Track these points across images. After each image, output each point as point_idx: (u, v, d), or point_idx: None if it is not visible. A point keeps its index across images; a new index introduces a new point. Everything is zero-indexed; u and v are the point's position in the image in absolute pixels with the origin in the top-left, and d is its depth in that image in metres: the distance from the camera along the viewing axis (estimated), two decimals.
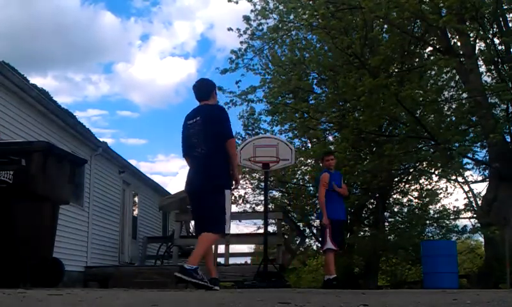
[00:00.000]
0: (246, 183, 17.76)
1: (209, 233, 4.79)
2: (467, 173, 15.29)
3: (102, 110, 59.46)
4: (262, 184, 14.31)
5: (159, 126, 58.29)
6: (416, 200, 16.71)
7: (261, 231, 14.57)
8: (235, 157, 5.04)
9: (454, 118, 12.54)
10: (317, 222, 18.10)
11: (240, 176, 16.97)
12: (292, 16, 12.92)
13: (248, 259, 17.60)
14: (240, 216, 14.85)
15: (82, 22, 45.39)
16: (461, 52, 11.12)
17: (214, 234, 4.83)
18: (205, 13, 43.67)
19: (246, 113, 14.77)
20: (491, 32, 10.64)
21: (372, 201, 15.34)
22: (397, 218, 16.34)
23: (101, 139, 12.39)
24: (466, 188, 15.68)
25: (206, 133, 4.84)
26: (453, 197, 25.02)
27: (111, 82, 56.07)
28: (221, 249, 11.34)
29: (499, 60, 10.82)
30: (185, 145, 5.05)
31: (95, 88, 52.62)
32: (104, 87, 55.12)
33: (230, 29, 13.88)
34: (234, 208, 17.47)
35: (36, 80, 55.26)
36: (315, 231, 18.04)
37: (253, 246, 21.26)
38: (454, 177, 15.58)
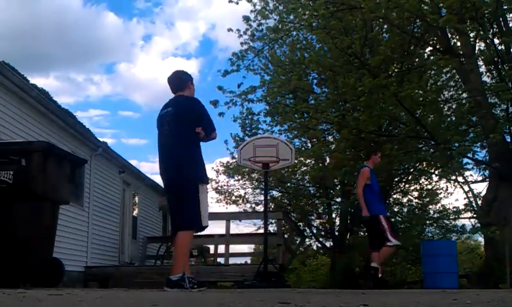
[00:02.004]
0: (246, 183, 17.81)
1: (184, 233, 4.62)
2: (467, 173, 15.33)
3: (104, 111, 59.55)
4: (262, 184, 14.31)
5: None
6: (416, 200, 16.74)
7: (261, 231, 14.58)
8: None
9: (454, 118, 12.56)
10: (316, 222, 18.16)
11: (239, 176, 17.06)
12: (292, 17, 12.93)
13: (248, 260, 17.59)
14: (240, 216, 14.86)
15: (85, 22, 45.49)
16: (461, 52, 11.11)
17: (189, 231, 4.66)
18: (207, 14, 43.65)
19: (242, 114, 14.78)
20: (491, 32, 10.63)
21: None
22: (397, 218, 16.37)
23: (102, 139, 12.40)
24: (466, 188, 15.71)
25: (178, 124, 4.71)
26: (453, 197, 25.07)
27: (112, 83, 56.13)
28: (221, 249, 11.35)
29: (499, 60, 10.81)
30: (158, 137, 4.94)
31: (96, 88, 52.68)
32: (106, 88, 55.16)
33: (229, 30, 13.91)
34: (234, 208, 17.52)
35: (38, 80, 55.38)
36: (315, 231, 18.08)
37: (253, 246, 21.26)
38: (454, 177, 15.61)
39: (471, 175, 15.66)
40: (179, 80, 4.97)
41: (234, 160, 15.51)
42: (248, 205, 17.68)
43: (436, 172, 14.90)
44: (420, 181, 16.09)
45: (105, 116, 54.70)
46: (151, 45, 56.37)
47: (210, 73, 48.56)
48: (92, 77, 52.39)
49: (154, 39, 56.59)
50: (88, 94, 52.82)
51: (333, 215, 17.37)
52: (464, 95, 12.10)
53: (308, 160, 15.27)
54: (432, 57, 11.97)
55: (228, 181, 17.83)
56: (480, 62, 11.28)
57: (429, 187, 16.67)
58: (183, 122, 4.72)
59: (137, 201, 14.77)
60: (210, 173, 17.13)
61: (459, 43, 11.38)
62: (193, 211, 4.60)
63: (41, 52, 44.48)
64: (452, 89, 13.27)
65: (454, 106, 12.59)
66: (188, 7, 46.73)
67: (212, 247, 11.73)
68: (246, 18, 13.66)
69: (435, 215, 16.58)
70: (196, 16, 48.70)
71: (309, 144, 15.18)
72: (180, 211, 4.71)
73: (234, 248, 13.35)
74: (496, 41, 10.68)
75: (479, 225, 12.66)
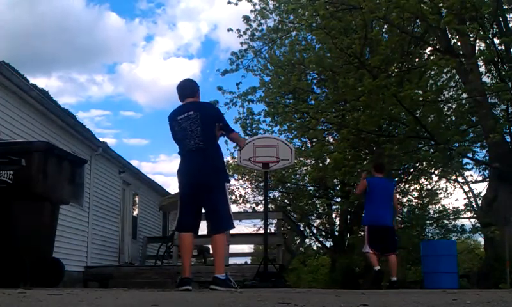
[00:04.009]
0: (246, 183, 17.83)
1: (221, 234, 4.79)
2: (467, 173, 15.36)
3: (106, 111, 59.45)
4: (262, 184, 14.33)
5: (162, 127, 58.22)
6: (416, 200, 16.75)
7: (261, 231, 14.57)
8: (240, 139, 5.65)
9: (454, 118, 12.56)
10: (316, 222, 18.17)
11: (239, 176, 17.08)
12: (292, 17, 12.95)
13: (248, 260, 17.60)
14: (240, 216, 14.86)
15: (87, 22, 45.50)
16: (461, 52, 11.11)
17: (226, 231, 4.95)
18: (209, 14, 43.64)
19: (243, 115, 14.82)
20: (491, 32, 10.63)
21: None
22: (397, 218, 16.37)
23: (103, 139, 12.42)
24: (466, 188, 15.73)
25: (204, 127, 4.81)
26: (453, 197, 25.11)
27: (114, 83, 56.09)
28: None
29: (499, 60, 10.81)
30: (178, 141, 4.96)
31: (98, 89, 52.62)
32: (108, 88, 55.08)
33: (229, 30, 13.95)
34: (234, 208, 17.53)
35: (40, 80, 55.46)
36: (315, 231, 18.10)
37: (253, 246, 21.28)
38: (454, 177, 15.62)
39: (471, 175, 15.70)
40: (192, 88, 5.13)
41: (234, 160, 15.53)
42: (248, 205, 17.71)
43: (436, 172, 14.91)
44: (420, 181, 16.10)
45: (107, 116, 54.76)
46: (153, 46, 56.41)
47: (212, 74, 48.57)
48: (94, 77, 52.47)
49: (156, 40, 56.62)
50: (90, 95, 52.87)
51: (333, 215, 17.40)
52: (464, 95, 12.10)
53: (308, 160, 15.29)
54: (432, 57, 11.96)
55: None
56: (480, 63, 11.27)
57: (429, 187, 16.68)
58: (208, 125, 4.88)
59: (137, 201, 14.77)
60: None
61: (459, 43, 11.38)
62: (228, 211, 4.83)
63: (43, 53, 44.59)
64: (452, 89, 13.28)
65: (454, 106, 12.59)
66: (190, 8, 46.77)
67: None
68: (246, 18, 13.70)
69: (435, 215, 16.59)
70: (198, 17, 48.69)
71: (309, 144, 15.20)
72: (215, 212, 4.80)
73: (234, 248, 13.35)
74: (496, 41, 10.68)
75: (479, 225, 12.66)
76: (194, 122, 4.83)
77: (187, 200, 4.85)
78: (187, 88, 5.10)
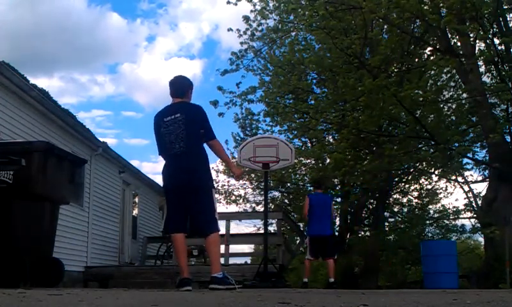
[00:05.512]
0: (246, 183, 17.83)
1: (215, 234, 4.81)
2: (467, 173, 15.37)
3: (107, 111, 59.47)
4: (262, 184, 14.33)
5: None
6: (416, 200, 16.75)
7: (261, 231, 14.58)
8: (224, 153, 5.40)
9: (454, 118, 12.56)
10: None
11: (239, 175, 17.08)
12: (292, 17, 12.96)
13: (248, 260, 17.60)
14: (240, 216, 14.86)
15: (89, 23, 45.54)
16: (461, 52, 11.11)
17: (218, 232, 4.90)
18: (210, 15, 43.59)
19: (242, 115, 14.81)
20: (491, 32, 10.63)
21: (372, 201, 15.37)
22: (397, 218, 16.38)
23: (104, 139, 12.40)
24: (466, 188, 15.74)
25: (189, 130, 4.80)
26: (453, 197, 25.12)
27: (116, 83, 56.07)
28: (221, 249, 11.34)
29: (499, 60, 10.82)
30: (162, 143, 4.92)
31: (100, 89, 52.62)
32: (109, 88, 55.06)
33: (229, 30, 13.96)
34: (234, 208, 17.53)
35: (42, 81, 55.39)
36: None
37: (253, 246, 21.27)
38: (454, 177, 15.63)
39: (471, 175, 15.71)
40: (183, 86, 5.09)
41: (234, 160, 15.53)
42: (248, 205, 17.71)
43: (436, 172, 14.92)
44: (420, 181, 16.10)
45: (108, 116, 54.79)
46: (154, 46, 56.39)
47: (213, 74, 48.53)
48: (95, 77, 52.47)
49: (158, 40, 56.59)
50: (91, 95, 52.89)
51: None
52: (464, 95, 12.10)
53: (308, 160, 15.29)
54: (432, 57, 11.96)
55: (228, 181, 17.85)
56: (480, 63, 11.28)
57: (429, 187, 16.69)
58: (193, 128, 4.85)
59: (137, 201, 14.77)
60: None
61: (459, 43, 11.38)
62: (212, 214, 4.83)
63: (45, 53, 44.65)
64: (452, 89, 13.28)
65: (454, 106, 12.60)
66: (192, 9, 46.72)
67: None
68: (246, 18, 13.70)
69: (435, 215, 16.60)
70: (199, 17, 48.65)
71: (309, 144, 15.20)
72: (201, 215, 4.80)
73: (234, 248, 13.36)
74: (496, 41, 10.68)
75: (479, 225, 12.66)
76: (180, 125, 4.82)
77: (173, 202, 4.88)
78: (179, 87, 5.06)
